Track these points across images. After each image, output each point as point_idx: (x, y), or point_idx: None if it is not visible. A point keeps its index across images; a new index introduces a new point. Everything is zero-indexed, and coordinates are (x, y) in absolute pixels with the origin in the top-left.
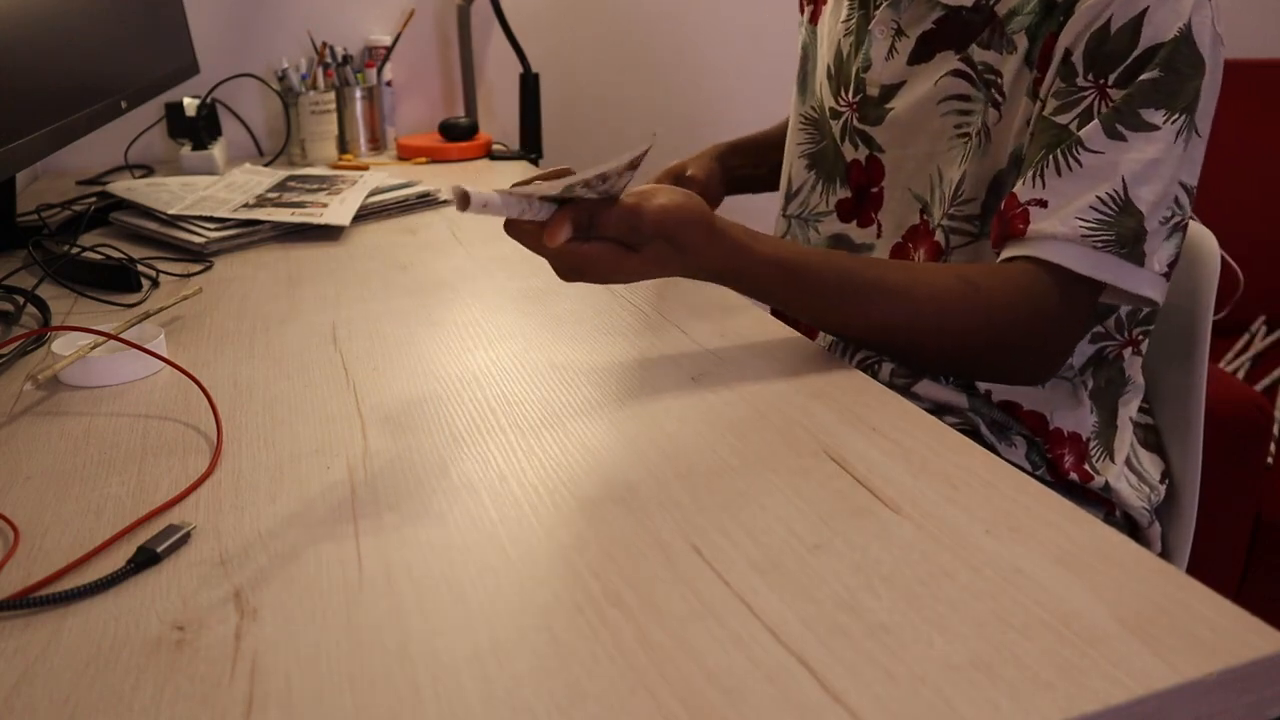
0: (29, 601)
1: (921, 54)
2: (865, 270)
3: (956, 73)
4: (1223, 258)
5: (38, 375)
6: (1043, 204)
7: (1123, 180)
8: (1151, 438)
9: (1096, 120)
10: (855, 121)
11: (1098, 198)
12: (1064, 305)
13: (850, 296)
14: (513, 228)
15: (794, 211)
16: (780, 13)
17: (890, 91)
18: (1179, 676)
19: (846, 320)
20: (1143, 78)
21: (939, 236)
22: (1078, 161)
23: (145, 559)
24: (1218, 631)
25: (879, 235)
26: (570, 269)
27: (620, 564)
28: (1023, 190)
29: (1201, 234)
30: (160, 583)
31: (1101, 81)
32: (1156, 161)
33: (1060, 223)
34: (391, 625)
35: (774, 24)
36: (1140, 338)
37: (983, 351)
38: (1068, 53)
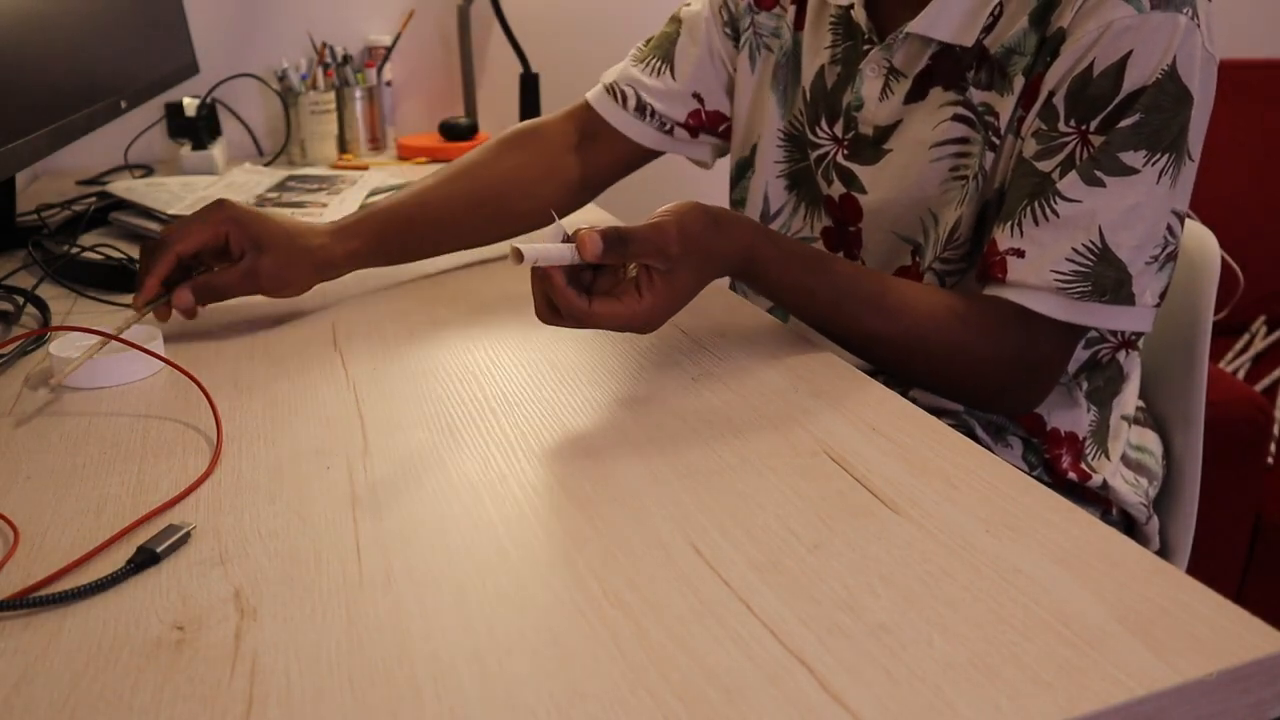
0: (29, 601)
1: (917, 93)
2: (864, 284)
3: (958, 117)
4: (1223, 258)
5: (50, 381)
6: (1020, 254)
7: (1099, 230)
8: (1149, 417)
9: (1075, 169)
10: (841, 158)
11: (1074, 249)
12: (1045, 347)
13: (845, 306)
14: (560, 298)
15: None
16: None
17: (886, 133)
18: (1179, 676)
19: (839, 328)
20: (1122, 124)
21: (929, 278)
22: (1054, 211)
23: (145, 559)
24: (1218, 631)
25: None
26: (645, 325)
27: (620, 564)
28: (1002, 238)
29: (1201, 234)
30: (160, 583)
31: (1084, 128)
32: (1137, 206)
33: (1034, 274)
34: (391, 625)
35: None
36: (1134, 337)
37: (965, 379)
38: (1050, 94)
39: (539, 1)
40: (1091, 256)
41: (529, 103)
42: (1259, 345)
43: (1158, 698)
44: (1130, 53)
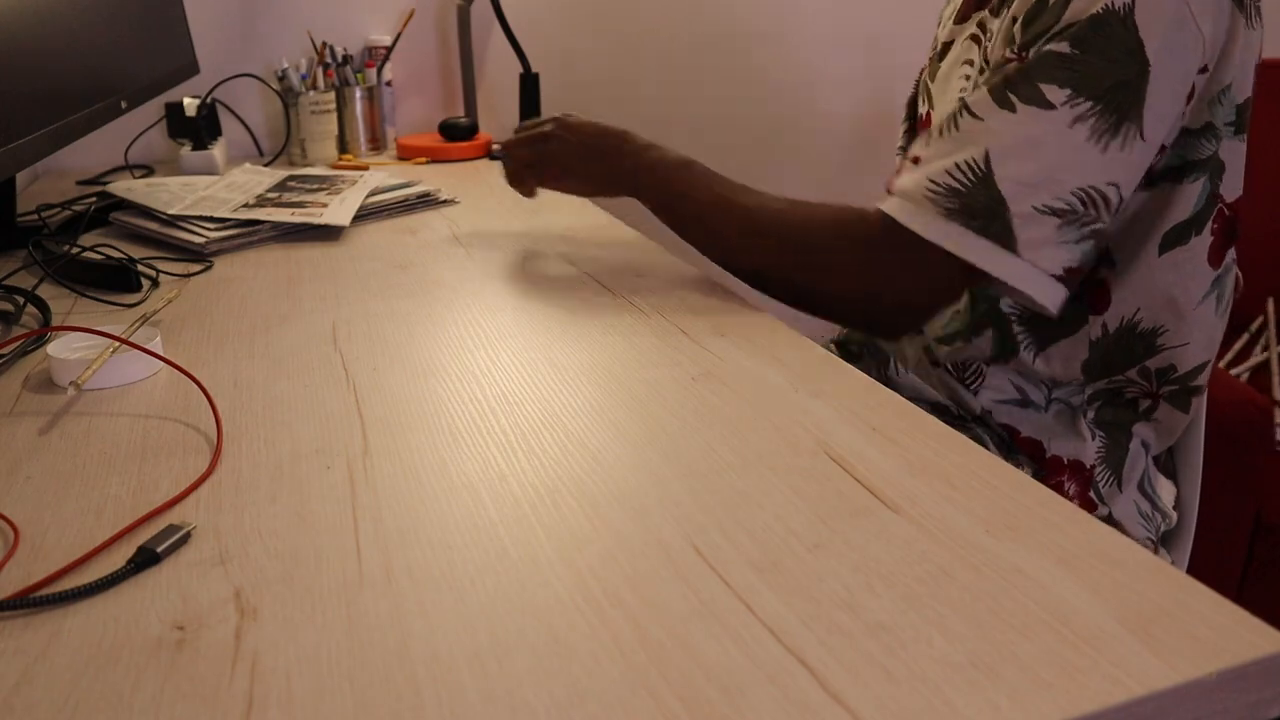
0: (29, 601)
1: (963, 14)
2: (736, 191)
3: (972, 37)
4: None
5: (70, 381)
6: (917, 161)
7: (986, 152)
8: (1169, 463)
9: (988, 86)
10: (927, 78)
11: (955, 164)
12: (896, 258)
13: (718, 211)
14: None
15: None
16: (781, 11)
17: (944, 50)
18: (1179, 676)
19: (704, 232)
20: (1049, 48)
21: None
22: (956, 125)
23: (145, 559)
24: (1218, 631)
25: None
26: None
27: (620, 564)
28: (914, 145)
29: None
30: (160, 583)
31: (1023, 54)
32: (1036, 142)
33: (913, 182)
34: (391, 625)
35: (774, 22)
36: (1165, 394)
37: (840, 297)
38: (1014, 21)
39: (539, 1)
40: (972, 176)
41: (529, 102)
42: (1259, 345)
43: (1158, 698)
44: None
